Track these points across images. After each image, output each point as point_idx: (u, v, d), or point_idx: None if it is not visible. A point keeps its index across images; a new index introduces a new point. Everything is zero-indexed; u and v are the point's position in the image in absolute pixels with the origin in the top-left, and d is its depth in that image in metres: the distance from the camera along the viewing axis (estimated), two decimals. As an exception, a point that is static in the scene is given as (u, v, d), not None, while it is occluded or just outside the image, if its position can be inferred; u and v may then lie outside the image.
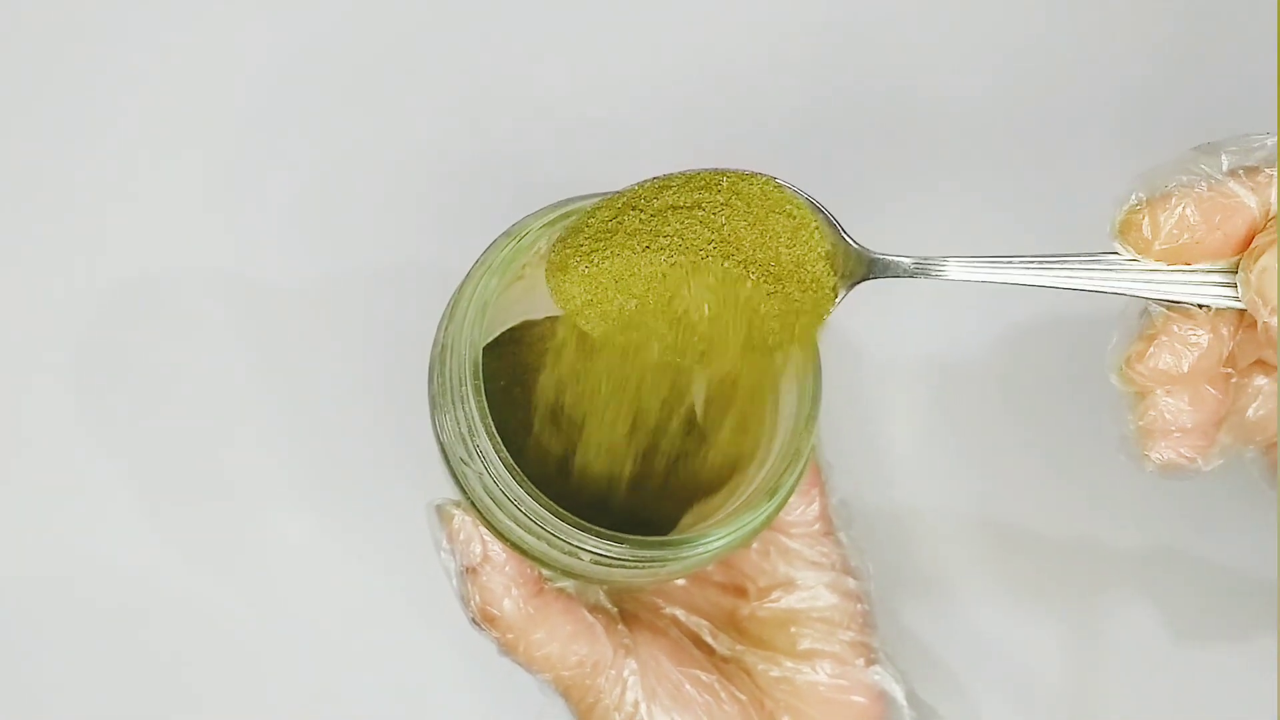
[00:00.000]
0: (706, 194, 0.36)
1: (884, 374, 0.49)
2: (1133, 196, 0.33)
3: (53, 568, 0.48)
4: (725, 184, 0.35)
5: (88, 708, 0.48)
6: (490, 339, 0.41)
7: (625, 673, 0.39)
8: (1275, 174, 0.32)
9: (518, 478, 0.35)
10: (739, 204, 0.36)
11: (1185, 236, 0.32)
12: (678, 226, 0.36)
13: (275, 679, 0.48)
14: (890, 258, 0.36)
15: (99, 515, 0.49)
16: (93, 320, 0.49)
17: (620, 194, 0.36)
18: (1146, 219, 0.32)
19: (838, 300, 0.36)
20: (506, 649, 0.38)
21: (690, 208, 0.36)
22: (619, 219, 0.36)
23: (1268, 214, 0.33)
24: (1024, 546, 0.48)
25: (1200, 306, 0.33)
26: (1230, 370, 0.34)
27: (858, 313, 0.48)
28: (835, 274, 0.36)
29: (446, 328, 0.37)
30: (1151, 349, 0.33)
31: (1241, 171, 0.33)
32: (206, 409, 0.49)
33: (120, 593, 0.48)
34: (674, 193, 0.36)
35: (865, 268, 0.36)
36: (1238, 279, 0.33)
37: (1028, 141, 0.50)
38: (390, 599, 0.48)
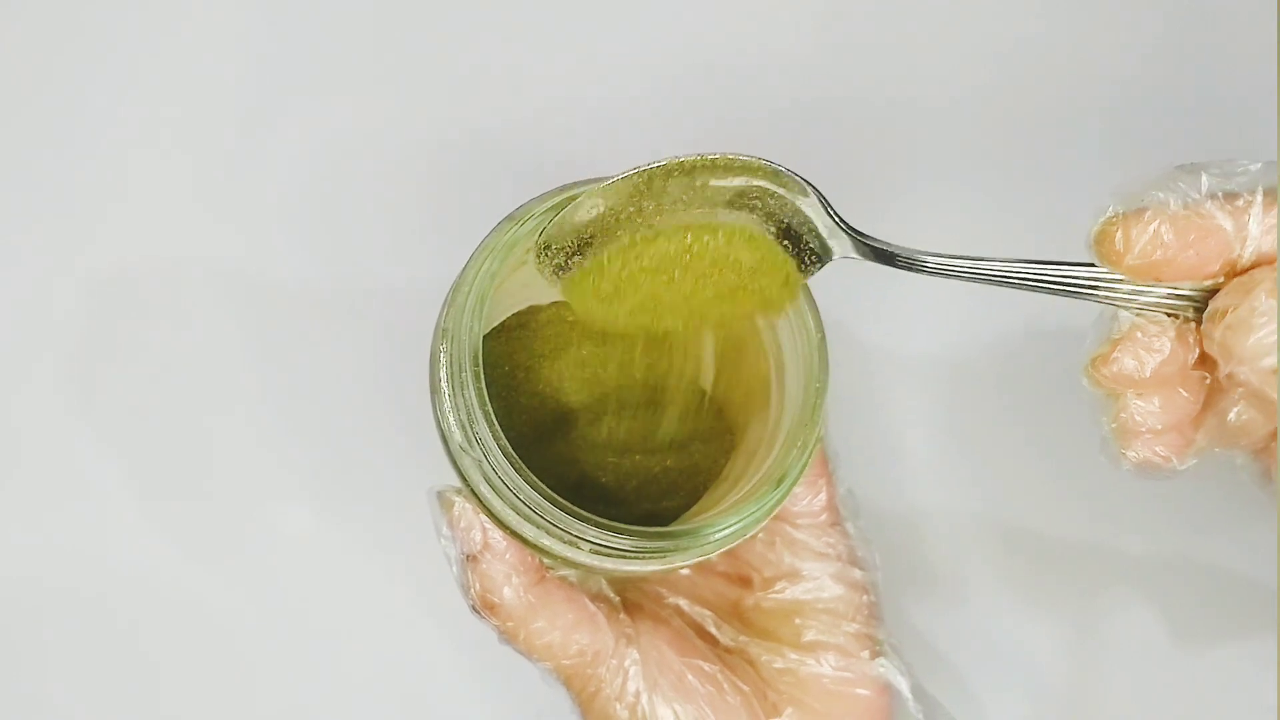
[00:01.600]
0: (666, 270, 0.36)
1: (894, 371, 0.49)
2: (1109, 209, 0.33)
3: (49, 562, 0.48)
4: (684, 254, 0.36)
5: (85, 702, 0.48)
6: (495, 324, 0.40)
7: (627, 662, 0.38)
8: (1252, 200, 0.33)
9: (516, 466, 0.35)
10: (698, 264, 0.36)
11: (1158, 253, 0.33)
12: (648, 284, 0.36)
13: (275, 671, 0.48)
14: (874, 242, 0.36)
15: (96, 509, 0.49)
16: (91, 315, 0.49)
17: (582, 265, 0.36)
18: (1120, 232, 0.33)
19: (819, 267, 0.36)
20: (507, 637, 0.38)
21: (655, 272, 0.36)
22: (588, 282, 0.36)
23: (1244, 241, 0.33)
24: (1027, 543, 0.48)
25: (1170, 315, 0.34)
26: (1204, 373, 0.35)
27: (869, 309, 0.48)
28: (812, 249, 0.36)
29: (447, 313, 0.36)
30: (1115, 352, 0.34)
31: (1220, 194, 0.33)
32: (205, 402, 0.49)
33: (118, 586, 0.48)
34: (635, 260, 0.36)
35: (849, 246, 0.36)
36: (1203, 327, 0.33)
37: (1022, 144, 0.50)
38: (391, 589, 0.48)
